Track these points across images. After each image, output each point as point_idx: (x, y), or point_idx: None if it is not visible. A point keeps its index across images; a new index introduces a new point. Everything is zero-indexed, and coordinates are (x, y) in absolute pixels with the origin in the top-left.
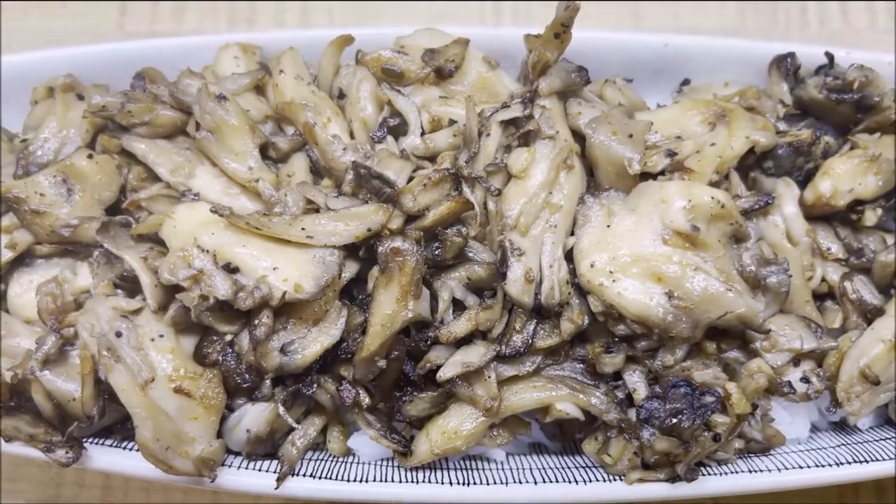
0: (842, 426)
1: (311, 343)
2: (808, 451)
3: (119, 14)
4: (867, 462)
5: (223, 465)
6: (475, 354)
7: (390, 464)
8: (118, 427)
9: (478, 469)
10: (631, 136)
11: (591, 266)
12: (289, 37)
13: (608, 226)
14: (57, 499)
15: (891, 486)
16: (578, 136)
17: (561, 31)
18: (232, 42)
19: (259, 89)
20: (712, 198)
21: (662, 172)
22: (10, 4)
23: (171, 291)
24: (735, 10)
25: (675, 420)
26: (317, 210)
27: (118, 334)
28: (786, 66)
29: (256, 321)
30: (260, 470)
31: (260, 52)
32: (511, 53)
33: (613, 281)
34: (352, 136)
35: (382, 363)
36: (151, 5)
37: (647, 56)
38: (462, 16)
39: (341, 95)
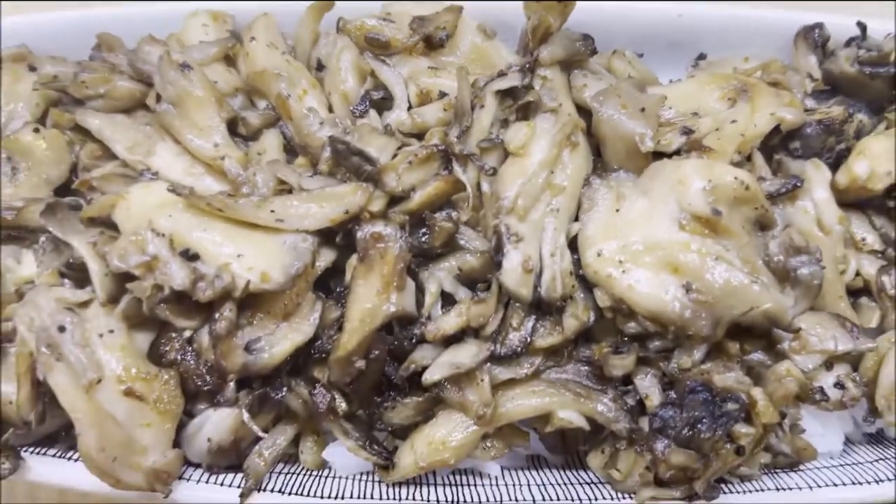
0: (879, 438)
1: (279, 340)
2: (842, 466)
3: None
4: None
5: (181, 477)
6: (466, 354)
7: (370, 478)
8: (62, 435)
9: (469, 485)
10: (643, 110)
11: (598, 255)
12: (265, 6)
13: (617, 210)
14: None
15: None
16: (584, 112)
17: None
18: (201, 9)
19: (229, 61)
20: (735, 178)
21: (678, 152)
22: None
23: (123, 281)
24: None
25: (693, 430)
26: (289, 191)
27: (61, 329)
28: (814, 37)
29: (217, 315)
30: (222, 484)
31: (233, 21)
32: (511, 24)
33: (623, 272)
34: (330, 110)
35: (361, 364)
36: None
37: (660, 28)
38: None
39: (320, 67)
